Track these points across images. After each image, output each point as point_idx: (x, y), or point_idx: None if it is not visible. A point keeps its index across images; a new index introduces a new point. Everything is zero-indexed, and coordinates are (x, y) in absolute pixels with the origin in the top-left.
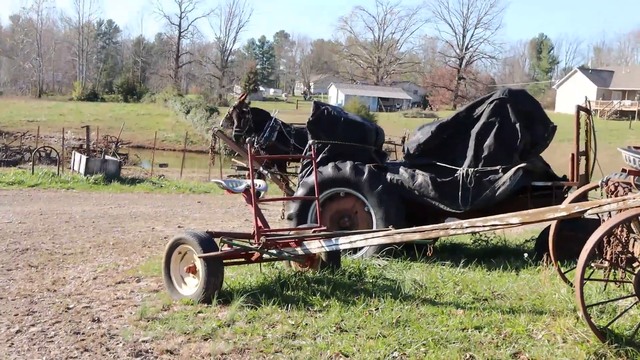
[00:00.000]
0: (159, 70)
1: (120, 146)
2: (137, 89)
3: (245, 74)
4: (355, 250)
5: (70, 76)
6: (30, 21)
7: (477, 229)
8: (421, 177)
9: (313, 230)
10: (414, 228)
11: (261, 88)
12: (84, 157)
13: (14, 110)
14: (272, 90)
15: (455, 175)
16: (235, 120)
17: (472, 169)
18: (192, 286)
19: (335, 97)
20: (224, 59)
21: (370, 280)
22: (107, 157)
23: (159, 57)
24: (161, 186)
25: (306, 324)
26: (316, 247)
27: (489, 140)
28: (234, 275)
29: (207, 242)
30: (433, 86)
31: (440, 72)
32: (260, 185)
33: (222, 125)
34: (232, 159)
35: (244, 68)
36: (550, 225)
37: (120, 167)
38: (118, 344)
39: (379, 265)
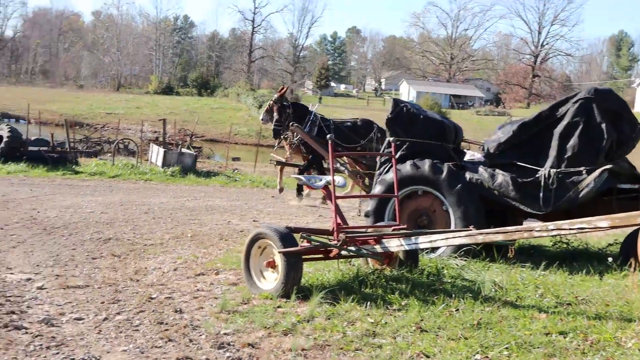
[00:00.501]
0: (232, 65)
1: (194, 139)
2: (211, 83)
3: (317, 70)
4: (432, 249)
5: (147, 70)
6: (111, 17)
7: (563, 232)
8: (501, 176)
9: (392, 228)
10: (497, 229)
11: (332, 84)
12: (161, 150)
13: (93, 103)
14: (343, 86)
15: (537, 175)
16: (276, 114)
17: (555, 170)
18: (271, 280)
19: (406, 93)
20: (296, 54)
21: (449, 280)
22: (183, 150)
23: (232, 52)
24: (235, 180)
25: (385, 323)
26: (395, 245)
27: (572, 141)
28: (311, 271)
29: (287, 237)
30: (506, 84)
31: (513, 70)
32: (339, 182)
33: (262, 120)
34: (271, 154)
35: (316, 64)
36: (638, 230)
37: (196, 160)
38: (201, 335)
39: (457, 265)
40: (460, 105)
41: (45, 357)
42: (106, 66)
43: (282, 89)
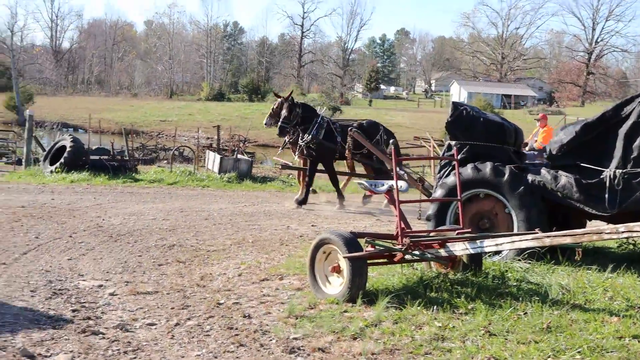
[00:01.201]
0: (282, 70)
1: (247, 145)
2: (262, 88)
3: (367, 73)
4: (495, 252)
5: (199, 77)
6: (163, 25)
7: (634, 234)
8: (565, 178)
9: (457, 232)
10: (565, 232)
11: (382, 86)
12: (217, 156)
13: (147, 111)
14: (392, 89)
15: (602, 176)
16: (285, 112)
17: (620, 171)
18: (336, 285)
19: (457, 94)
20: (345, 57)
21: (514, 284)
22: (239, 156)
23: (282, 57)
24: (291, 185)
25: (453, 327)
26: (460, 249)
27: (639, 141)
28: (375, 276)
29: (351, 242)
30: (559, 82)
31: (567, 68)
32: (402, 187)
33: (266, 124)
34: (274, 157)
35: (365, 66)
36: None
37: (251, 165)
38: (271, 340)
39: (521, 268)
40: (513, 105)
41: None
42: (159, 74)
43: (292, 92)
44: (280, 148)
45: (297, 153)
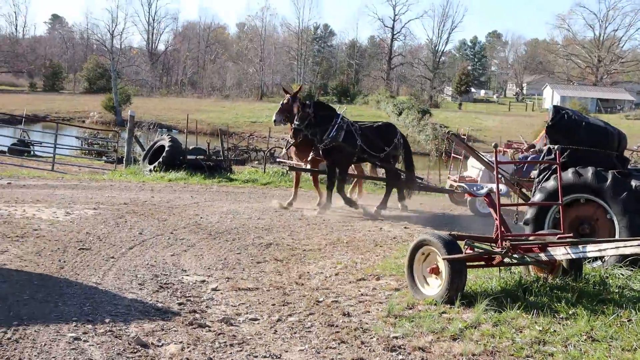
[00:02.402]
0: (371, 72)
1: None
2: (351, 90)
3: (457, 75)
4: (596, 259)
5: (289, 79)
6: (255, 28)
7: None
8: None
9: (558, 236)
10: None
11: (472, 89)
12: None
13: (238, 112)
14: (483, 92)
15: None
16: (296, 113)
17: None
18: (434, 287)
19: (550, 98)
20: (435, 60)
21: (616, 290)
22: None
23: (371, 59)
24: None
25: (554, 331)
26: (561, 253)
27: None
28: (471, 278)
29: (451, 244)
30: None
31: None
32: (501, 190)
33: (275, 121)
34: (278, 159)
35: (456, 69)
36: None
37: None
38: (372, 338)
39: (622, 275)
40: (608, 110)
41: (230, 353)
42: (250, 76)
43: (300, 88)
44: (284, 148)
45: (310, 155)
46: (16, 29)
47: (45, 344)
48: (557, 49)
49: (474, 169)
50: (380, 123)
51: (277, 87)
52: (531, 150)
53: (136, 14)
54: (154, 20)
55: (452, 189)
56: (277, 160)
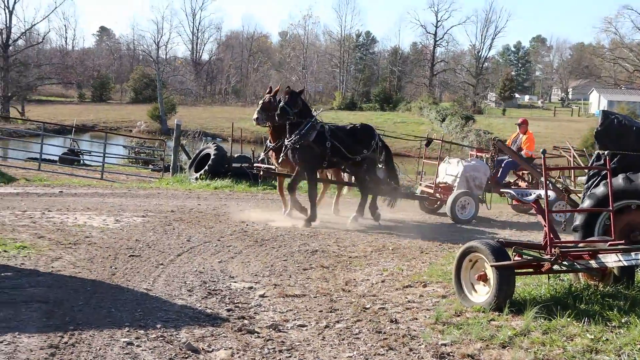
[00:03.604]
0: (413, 79)
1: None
2: (393, 97)
3: (501, 81)
4: None
5: (331, 87)
6: (297, 36)
7: None
8: None
9: (609, 243)
10: None
11: (516, 95)
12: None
13: None
14: (527, 97)
15: None
16: (287, 99)
17: None
18: (482, 294)
19: (596, 103)
20: (478, 66)
21: None
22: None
23: (413, 66)
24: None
25: (607, 340)
26: (613, 260)
27: None
28: (520, 285)
29: (499, 251)
30: None
31: None
32: (550, 197)
33: (255, 120)
34: (255, 164)
35: (499, 75)
36: None
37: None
38: (420, 345)
39: None
40: None
41: (279, 359)
42: (292, 84)
43: (278, 88)
44: (262, 153)
45: (281, 156)
46: (66, 41)
47: (100, 348)
48: (603, 53)
49: (448, 176)
50: (356, 124)
51: (319, 94)
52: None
53: (181, 24)
54: (198, 30)
55: (424, 196)
56: (254, 165)
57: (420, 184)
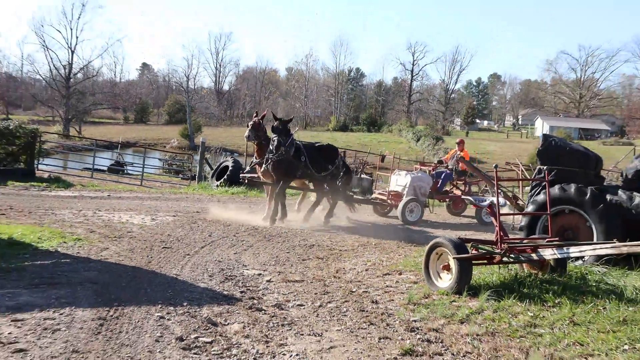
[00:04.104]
0: (394, 107)
1: (367, 167)
2: (378, 121)
3: (464, 109)
4: (577, 258)
5: (327, 112)
6: (300, 71)
7: None
8: (638, 198)
9: (546, 240)
10: (639, 242)
11: (477, 120)
12: None
13: None
14: (485, 122)
15: None
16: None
17: None
18: (446, 280)
19: (540, 127)
20: (446, 96)
21: (594, 284)
22: (362, 175)
23: (394, 96)
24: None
25: (543, 317)
26: (549, 254)
27: None
28: (476, 274)
29: (460, 246)
30: (630, 118)
31: (637, 106)
32: (501, 203)
33: (248, 136)
34: (242, 174)
35: (463, 104)
36: None
37: (372, 184)
38: (395, 321)
39: (599, 271)
40: (589, 137)
41: (282, 331)
42: (296, 110)
43: (265, 112)
44: (248, 166)
45: (263, 167)
46: (114, 74)
47: (138, 321)
48: (546, 88)
49: (398, 185)
50: (323, 144)
51: (318, 118)
52: (441, 166)
53: (207, 61)
54: (220, 65)
55: (377, 201)
56: (240, 175)
57: (375, 192)
